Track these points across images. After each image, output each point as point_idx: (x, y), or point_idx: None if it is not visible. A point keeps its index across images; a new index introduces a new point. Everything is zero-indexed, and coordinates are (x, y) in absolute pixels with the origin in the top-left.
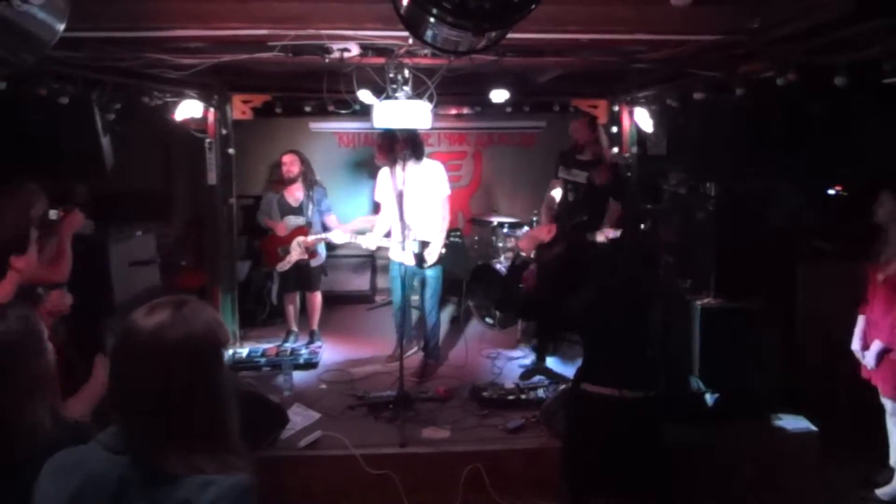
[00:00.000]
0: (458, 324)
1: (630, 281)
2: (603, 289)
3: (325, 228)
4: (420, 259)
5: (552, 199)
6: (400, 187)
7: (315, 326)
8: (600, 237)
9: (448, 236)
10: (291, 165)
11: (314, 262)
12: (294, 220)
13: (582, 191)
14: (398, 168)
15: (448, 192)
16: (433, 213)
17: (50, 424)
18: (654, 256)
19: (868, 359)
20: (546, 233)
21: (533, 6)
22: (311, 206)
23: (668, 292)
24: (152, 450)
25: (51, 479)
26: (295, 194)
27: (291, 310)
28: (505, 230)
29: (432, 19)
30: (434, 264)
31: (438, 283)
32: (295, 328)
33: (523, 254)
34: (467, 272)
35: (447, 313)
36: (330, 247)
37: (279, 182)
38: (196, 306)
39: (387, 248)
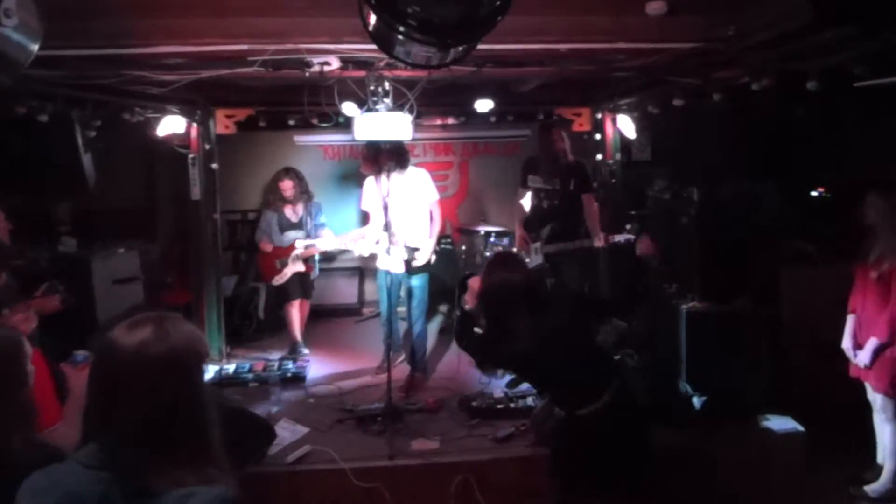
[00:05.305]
0: (448, 334)
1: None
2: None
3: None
4: (409, 264)
5: (521, 207)
6: (385, 196)
7: (300, 335)
8: (598, 243)
9: (438, 242)
10: (294, 189)
11: (312, 275)
12: (293, 235)
13: (556, 197)
14: (383, 177)
15: (437, 196)
16: (421, 219)
17: (29, 450)
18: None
19: (862, 356)
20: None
21: (498, 19)
22: (309, 221)
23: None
24: (135, 465)
25: (29, 499)
26: (295, 208)
27: (296, 316)
28: (493, 239)
29: (400, 36)
30: (421, 271)
31: (425, 293)
32: (300, 338)
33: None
34: (457, 280)
35: (436, 323)
36: (321, 259)
37: (279, 201)
38: (176, 321)
39: (377, 257)
